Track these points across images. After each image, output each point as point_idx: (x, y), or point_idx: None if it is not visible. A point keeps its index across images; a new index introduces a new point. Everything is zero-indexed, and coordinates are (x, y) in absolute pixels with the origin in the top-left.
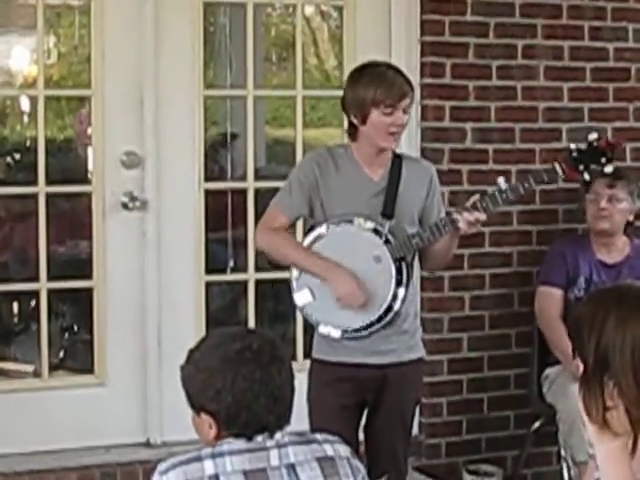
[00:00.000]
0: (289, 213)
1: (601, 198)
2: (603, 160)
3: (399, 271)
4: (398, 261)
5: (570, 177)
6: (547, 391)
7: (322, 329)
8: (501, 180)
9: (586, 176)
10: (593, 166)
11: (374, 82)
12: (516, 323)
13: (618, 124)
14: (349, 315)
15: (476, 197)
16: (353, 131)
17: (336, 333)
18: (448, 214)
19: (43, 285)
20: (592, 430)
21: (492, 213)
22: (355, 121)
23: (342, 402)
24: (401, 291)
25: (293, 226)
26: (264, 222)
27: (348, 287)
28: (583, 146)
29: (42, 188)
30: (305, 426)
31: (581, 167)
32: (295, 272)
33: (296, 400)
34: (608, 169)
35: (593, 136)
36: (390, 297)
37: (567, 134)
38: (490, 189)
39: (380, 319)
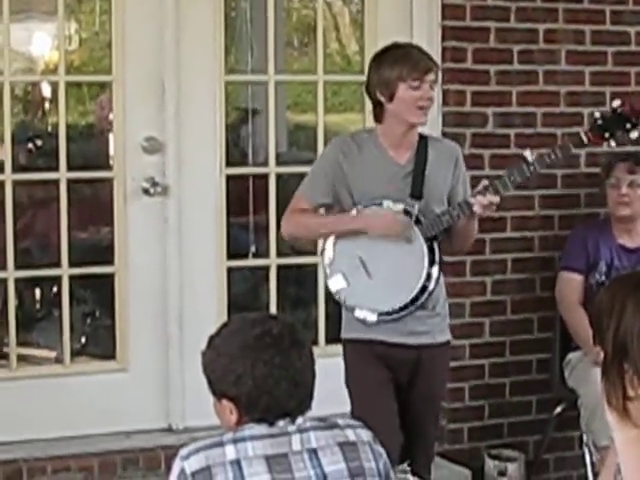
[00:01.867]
0: (313, 201)
1: (622, 183)
2: (628, 126)
3: (431, 250)
4: (430, 240)
5: (596, 144)
6: (569, 376)
7: (358, 313)
8: (527, 153)
9: (612, 143)
10: (619, 132)
11: (399, 60)
12: (538, 308)
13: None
14: (384, 297)
15: (485, 182)
16: (379, 111)
17: (372, 317)
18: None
19: (65, 271)
20: (612, 417)
21: (506, 194)
22: (382, 99)
23: (380, 379)
24: (435, 270)
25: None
26: (288, 210)
27: (386, 219)
28: (607, 113)
29: (63, 174)
30: (327, 412)
31: (606, 134)
32: (327, 258)
33: (319, 385)
34: (634, 134)
35: (617, 102)
36: (424, 276)
37: (588, 118)
38: (503, 172)
39: (415, 299)
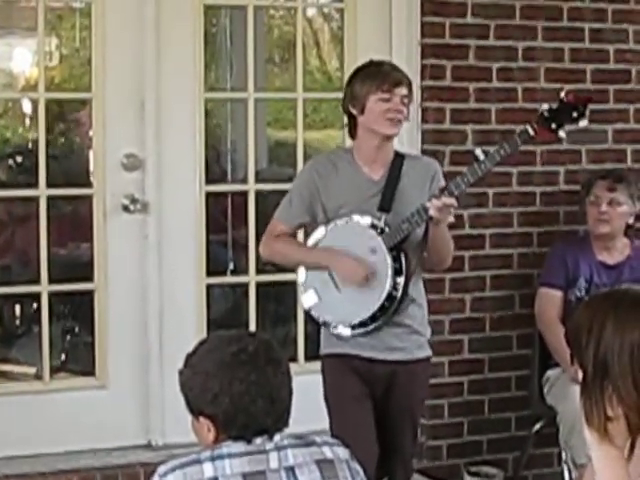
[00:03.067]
0: (290, 223)
1: (601, 201)
2: (575, 115)
3: (395, 260)
4: (394, 250)
5: (543, 137)
6: (547, 393)
7: (333, 329)
8: (479, 151)
9: (561, 134)
10: (566, 122)
11: (370, 75)
12: (517, 325)
13: (619, 126)
14: (354, 310)
15: (442, 184)
16: (353, 125)
17: (346, 331)
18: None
19: (44, 288)
20: (591, 437)
21: (462, 194)
22: (355, 112)
23: (357, 393)
24: (401, 280)
25: (294, 235)
26: (266, 234)
27: (347, 265)
28: (554, 104)
29: (43, 191)
30: (306, 428)
31: (553, 125)
32: (301, 277)
33: (297, 402)
34: (582, 123)
35: (562, 93)
36: (389, 285)
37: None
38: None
39: (383, 308)
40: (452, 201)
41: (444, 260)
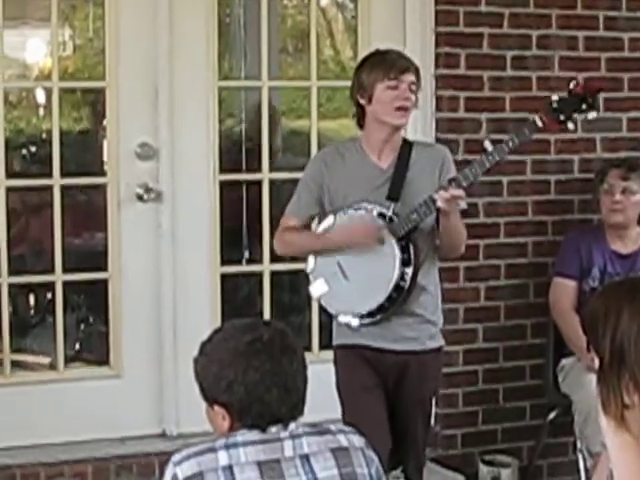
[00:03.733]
0: (300, 216)
1: (615, 190)
2: (584, 106)
3: (403, 250)
4: (403, 240)
5: (552, 128)
6: (562, 382)
7: (342, 318)
8: (487, 143)
9: (570, 125)
10: (575, 114)
11: (376, 63)
12: (531, 314)
13: (633, 114)
14: (362, 299)
15: (452, 172)
16: (361, 116)
17: (354, 321)
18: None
19: (59, 277)
20: (607, 424)
21: (471, 185)
22: (362, 102)
23: (367, 383)
24: (409, 270)
25: (308, 227)
26: (279, 229)
27: (358, 229)
28: (564, 95)
29: (57, 180)
30: (321, 417)
31: (562, 117)
32: (310, 265)
33: (312, 391)
34: (592, 115)
35: (572, 84)
36: (397, 276)
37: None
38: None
39: (390, 299)
40: (460, 192)
41: (456, 249)
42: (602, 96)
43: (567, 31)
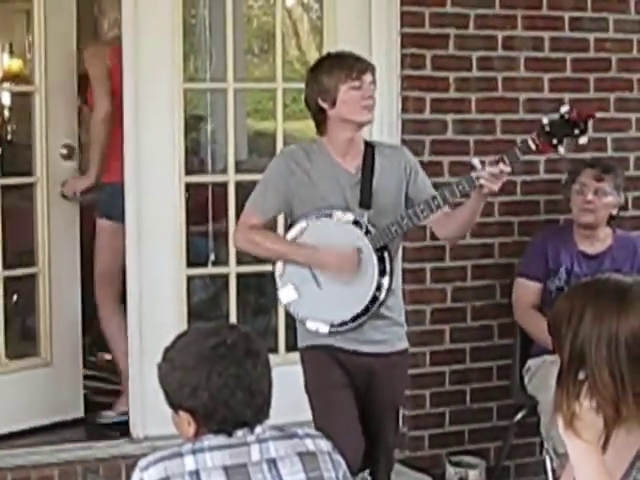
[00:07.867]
0: (264, 214)
1: (588, 190)
2: (576, 132)
3: (381, 261)
4: (380, 251)
5: (544, 151)
6: (528, 383)
7: (310, 325)
8: (475, 161)
9: (561, 150)
10: (567, 139)
11: (335, 66)
12: (498, 314)
13: (599, 115)
14: (336, 309)
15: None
16: (322, 121)
17: (324, 328)
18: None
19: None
20: (562, 427)
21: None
22: (325, 106)
23: (338, 382)
24: (385, 281)
25: (271, 225)
26: (240, 223)
27: (335, 259)
28: (555, 119)
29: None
30: (288, 420)
31: (554, 140)
32: (279, 269)
33: (280, 393)
34: (583, 140)
35: (565, 108)
36: (374, 287)
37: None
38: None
39: (366, 310)
40: (508, 168)
41: (466, 231)
42: (567, 97)
43: (532, 32)
